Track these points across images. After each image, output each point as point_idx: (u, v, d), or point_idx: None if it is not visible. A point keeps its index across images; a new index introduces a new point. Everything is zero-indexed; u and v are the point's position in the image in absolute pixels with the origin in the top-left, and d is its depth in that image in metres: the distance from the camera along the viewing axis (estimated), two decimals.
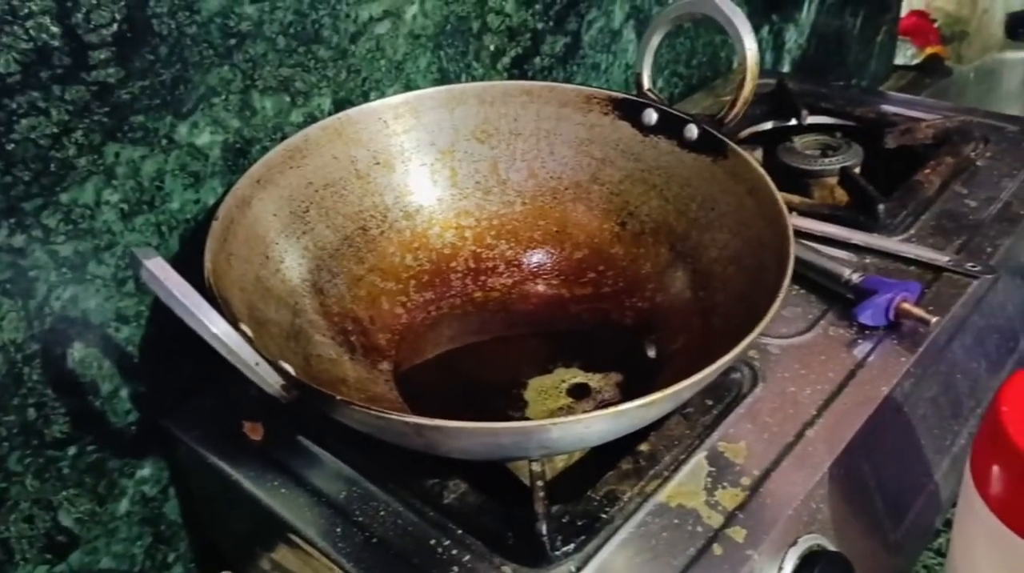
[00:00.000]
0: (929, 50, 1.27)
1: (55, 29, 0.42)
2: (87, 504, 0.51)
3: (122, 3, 0.44)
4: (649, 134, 0.56)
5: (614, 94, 0.57)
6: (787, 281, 0.42)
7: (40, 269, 0.45)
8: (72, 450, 0.49)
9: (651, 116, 0.56)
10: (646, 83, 0.57)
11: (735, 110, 0.52)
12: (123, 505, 0.53)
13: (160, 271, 0.33)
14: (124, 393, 0.51)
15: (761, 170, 0.50)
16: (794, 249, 0.45)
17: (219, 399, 0.52)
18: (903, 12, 1.23)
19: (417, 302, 0.56)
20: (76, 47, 0.43)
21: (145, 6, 0.44)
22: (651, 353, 0.52)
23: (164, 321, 0.50)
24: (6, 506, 0.47)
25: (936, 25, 1.30)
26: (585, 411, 0.46)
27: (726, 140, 0.52)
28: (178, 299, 0.33)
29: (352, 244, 0.55)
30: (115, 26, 0.44)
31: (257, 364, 0.35)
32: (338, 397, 0.36)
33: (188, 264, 0.46)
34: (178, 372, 0.52)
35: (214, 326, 0.34)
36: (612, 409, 0.36)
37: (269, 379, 0.36)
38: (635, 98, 0.56)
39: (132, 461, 0.52)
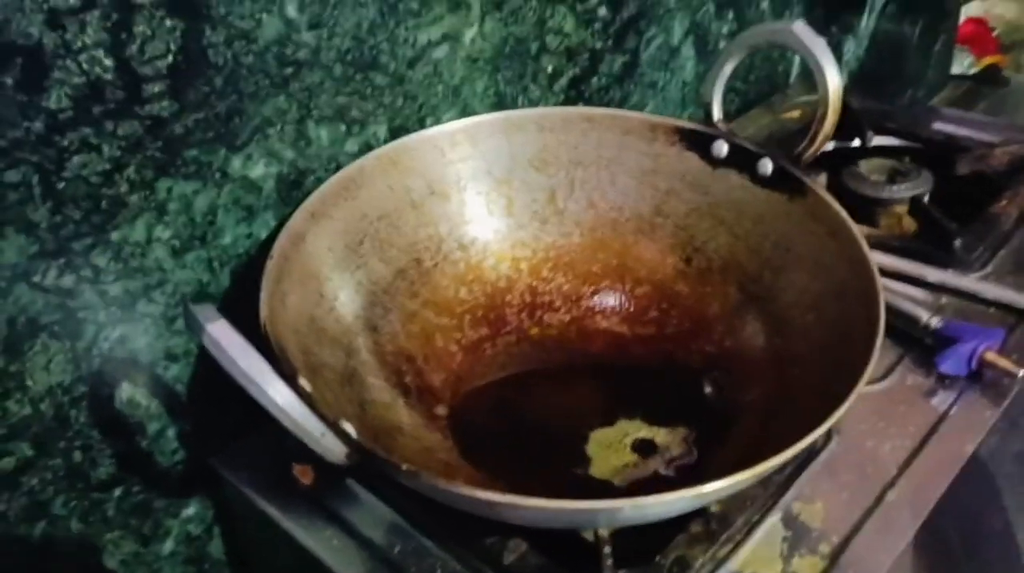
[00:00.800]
0: (987, 59, 1.22)
1: (108, 62, 0.40)
2: (132, 545, 0.49)
3: (177, 33, 0.41)
4: (719, 167, 0.53)
5: (681, 124, 0.54)
6: (879, 340, 0.39)
7: (89, 310, 0.43)
8: (118, 492, 0.47)
9: (721, 148, 0.53)
10: (716, 114, 0.54)
11: (815, 146, 0.49)
12: (168, 545, 0.51)
13: (224, 337, 0.31)
14: (171, 432, 0.49)
15: (843, 212, 0.47)
16: (884, 301, 0.42)
17: (269, 438, 0.50)
18: (960, 20, 1.18)
19: (471, 339, 0.54)
20: (130, 80, 0.41)
21: (201, 36, 0.42)
22: (720, 404, 0.49)
23: (214, 358, 0.48)
24: (50, 551, 0.45)
25: (995, 34, 1.25)
26: (656, 472, 0.44)
27: (804, 178, 0.49)
28: (242, 369, 0.31)
29: (406, 278, 0.53)
30: (170, 57, 0.42)
31: (323, 435, 0.33)
32: (405, 466, 0.34)
33: (239, 301, 0.44)
34: (227, 410, 0.51)
35: (279, 397, 0.32)
36: (695, 490, 0.33)
37: (335, 449, 0.34)
38: (705, 129, 0.53)
39: (178, 501, 0.51)
